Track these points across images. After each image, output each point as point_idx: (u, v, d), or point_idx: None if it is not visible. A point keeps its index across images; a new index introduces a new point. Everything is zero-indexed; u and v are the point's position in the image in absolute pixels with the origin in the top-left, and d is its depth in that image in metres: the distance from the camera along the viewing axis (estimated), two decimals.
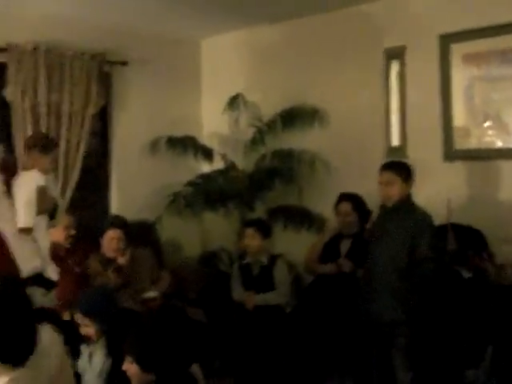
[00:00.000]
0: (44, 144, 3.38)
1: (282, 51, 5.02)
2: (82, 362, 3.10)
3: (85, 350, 3.12)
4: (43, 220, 3.44)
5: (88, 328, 3.09)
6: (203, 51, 5.64)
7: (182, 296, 4.51)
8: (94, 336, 3.07)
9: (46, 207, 3.28)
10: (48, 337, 2.11)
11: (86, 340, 3.11)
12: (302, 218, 4.72)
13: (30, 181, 3.16)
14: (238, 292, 4.29)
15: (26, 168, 3.40)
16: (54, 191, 3.46)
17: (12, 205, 3.29)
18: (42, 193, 3.18)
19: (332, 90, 4.67)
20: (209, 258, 5.22)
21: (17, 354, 1.92)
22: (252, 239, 4.27)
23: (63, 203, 3.41)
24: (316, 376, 3.78)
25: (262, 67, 5.13)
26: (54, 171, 3.96)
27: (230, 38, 5.36)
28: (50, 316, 2.99)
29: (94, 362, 3.05)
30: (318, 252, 4.14)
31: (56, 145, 3.40)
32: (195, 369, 3.69)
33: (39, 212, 3.25)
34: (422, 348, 3.32)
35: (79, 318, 3.12)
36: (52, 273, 3.67)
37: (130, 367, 2.51)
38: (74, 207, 4.69)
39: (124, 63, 4.99)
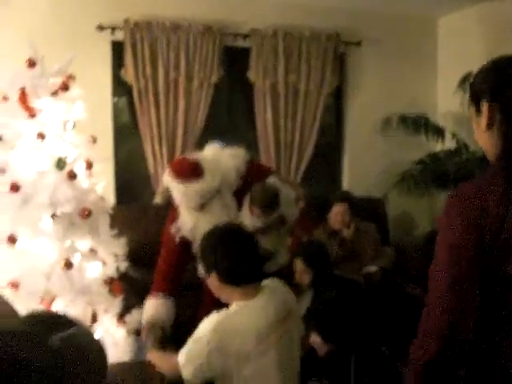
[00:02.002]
0: (262, 205, 3.19)
1: None
2: None
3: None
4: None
5: (304, 275, 3.32)
6: (440, 29, 5.51)
7: (403, 272, 4.56)
8: (307, 285, 3.29)
9: (271, 227, 3.28)
10: (277, 284, 2.37)
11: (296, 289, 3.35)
12: None
13: (247, 223, 3.12)
14: None
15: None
16: (284, 208, 3.47)
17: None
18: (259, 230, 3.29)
19: None
20: (435, 237, 5.17)
21: (245, 272, 2.21)
22: None
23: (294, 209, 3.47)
24: None
25: (501, 43, 4.88)
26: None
27: (470, 13, 5.16)
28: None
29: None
30: None
31: (277, 204, 3.27)
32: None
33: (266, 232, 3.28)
34: None
35: (299, 264, 3.33)
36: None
37: (314, 337, 2.73)
38: (306, 180, 5.04)
39: (358, 43, 5.13)
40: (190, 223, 3.09)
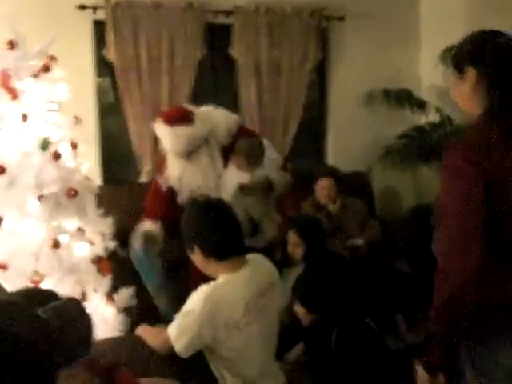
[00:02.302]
0: (248, 154, 3.33)
1: None
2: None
3: (285, 271, 3.36)
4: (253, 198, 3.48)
5: (297, 249, 3.36)
6: (423, 3, 5.48)
7: (389, 246, 4.62)
8: (299, 258, 3.34)
9: (255, 191, 3.38)
10: (259, 257, 2.42)
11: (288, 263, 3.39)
12: None
13: (231, 179, 3.26)
14: None
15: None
16: (269, 170, 3.48)
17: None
18: (244, 186, 3.30)
19: None
20: (421, 211, 5.25)
21: (228, 246, 2.24)
22: None
23: (282, 175, 3.48)
24: None
25: (482, 17, 4.90)
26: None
27: None
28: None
29: (288, 282, 3.28)
30: None
31: (262, 153, 3.38)
32: (398, 318, 3.85)
33: (248, 195, 3.37)
34: None
35: (293, 236, 3.38)
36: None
37: (297, 307, 2.79)
38: (292, 155, 5.07)
39: (341, 18, 5.12)
40: (177, 172, 3.14)
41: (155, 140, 4.54)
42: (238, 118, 3.41)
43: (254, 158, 3.23)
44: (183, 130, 3.07)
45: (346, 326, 2.71)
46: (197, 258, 2.27)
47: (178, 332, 2.17)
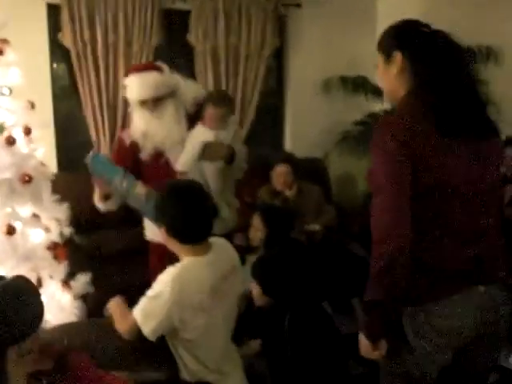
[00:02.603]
0: (214, 97, 3.56)
1: None
2: (245, 269, 3.46)
3: (249, 258, 3.40)
4: (214, 166, 3.40)
5: (258, 232, 3.40)
6: None
7: (344, 231, 4.70)
8: (258, 243, 3.38)
9: (217, 156, 3.42)
10: (223, 241, 2.46)
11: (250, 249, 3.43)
12: None
13: (198, 135, 3.22)
14: None
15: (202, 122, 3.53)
16: (228, 139, 3.52)
17: None
18: (208, 146, 3.35)
19: (509, 27, 4.46)
20: None
21: (193, 235, 2.26)
22: None
23: (243, 149, 3.53)
24: None
25: (436, 4, 5.00)
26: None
27: None
28: None
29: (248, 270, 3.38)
30: None
31: (227, 102, 3.49)
32: (354, 302, 3.93)
33: (208, 160, 3.44)
34: None
35: (256, 219, 3.42)
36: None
37: (253, 287, 2.85)
38: (249, 142, 5.08)
39: (298, 5, 5.15)
40: (141, 125, 3.14)
41: (112, 127, 4.55)
42: (204, 92, 3.46)
43: (222, 103, 3.28)
44: (151, 75, 3.11)
45: (299, 309, 2.76)
46: (163, 233, 2.29)
47: (146, 315, 2.16)
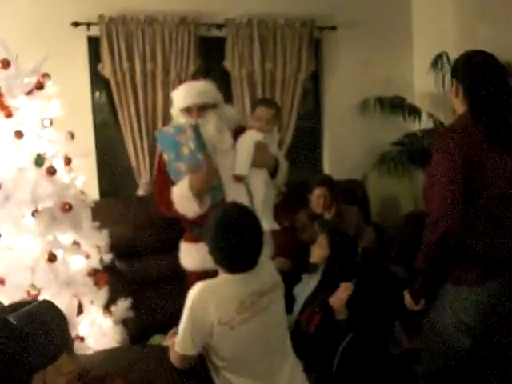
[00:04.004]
0: (264, 99, 3.64)
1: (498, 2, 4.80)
2: (300, 287, 3.45)
3: (305, 277, 3.47)
4: (262, 174, 3.46)
5: (322, 250, 3.42)
6: (414, 9, 5.55)
7: (383, 252, 4.65)
8: (320, 260, 3.40)
9: (265, 162, 3.39)
10: (265, 258, 2.51)
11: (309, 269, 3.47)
12: None
13: (248, 136, 3.34)
14: None
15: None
16: (274, 149, 3.59)
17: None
18: (258, 147, 3.40)
19: None
20: (416, 217, 5.28)
21: (241, 267, 2.29)
22: None
23: (285, 162, 3.58)
24: None
25: (475, 23, 4.95)
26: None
27: None
28: None
29: (309, 286, 3.38)
30: None
31: (276, 105, 3.63)
32: (396, 324, 3.88)
33: (257, 165, 3.37)
34: None
35: (322, 239, 3.47)
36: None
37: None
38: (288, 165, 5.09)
39: (333, 28, 5.19)
40: None
41: (151, 153, 4.62)
42: (241, 118, 3.66)
43: (272, 104, 3.50)
44: (199, 82, 3.29)
45: (361, 331, 2.80)
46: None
47: (179, 335, 2.23)
